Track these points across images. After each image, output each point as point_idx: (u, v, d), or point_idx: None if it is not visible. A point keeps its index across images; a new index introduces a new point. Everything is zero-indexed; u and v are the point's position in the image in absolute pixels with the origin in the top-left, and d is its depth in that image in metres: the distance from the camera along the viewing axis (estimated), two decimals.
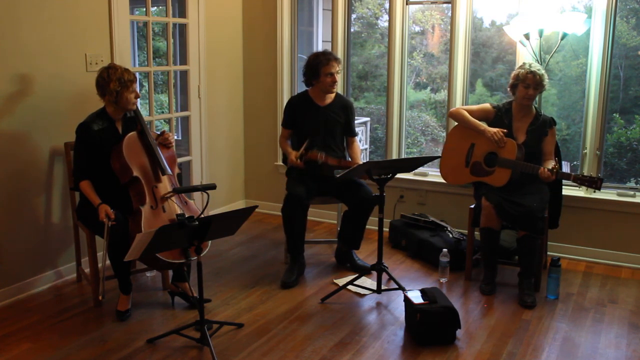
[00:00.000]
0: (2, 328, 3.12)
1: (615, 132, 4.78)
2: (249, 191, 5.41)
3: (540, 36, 3.89)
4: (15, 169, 3.41)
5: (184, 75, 4.70)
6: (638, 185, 4.34)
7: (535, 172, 3.44)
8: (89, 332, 3.08)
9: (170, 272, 3.50)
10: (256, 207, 2.89)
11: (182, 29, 4.75)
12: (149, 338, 2.99)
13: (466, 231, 3.88)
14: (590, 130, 4.07)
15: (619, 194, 4.07)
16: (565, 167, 4.24)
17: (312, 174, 3.82)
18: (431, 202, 4.62)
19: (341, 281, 3.73)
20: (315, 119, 3.80)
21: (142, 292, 3.60)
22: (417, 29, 6.02)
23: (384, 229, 3.90)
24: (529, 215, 3.41)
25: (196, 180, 4.78)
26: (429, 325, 2.97)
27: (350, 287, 3.60)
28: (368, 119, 5.83)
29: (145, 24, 4.33)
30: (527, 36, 3.89)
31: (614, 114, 4.74)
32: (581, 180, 3.38)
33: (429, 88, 6.26)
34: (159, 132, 3.41)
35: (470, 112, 3.77)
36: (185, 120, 4.77)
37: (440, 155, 3.96)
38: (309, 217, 3.82)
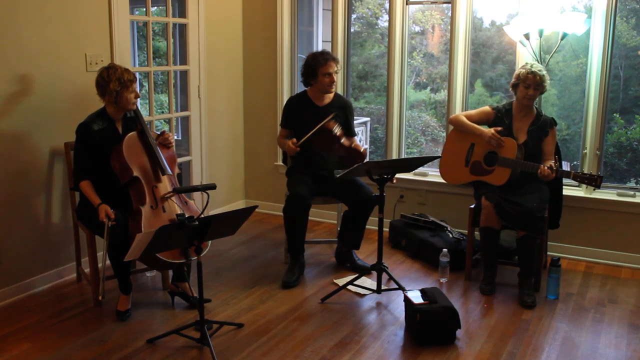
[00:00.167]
0: (2, 328, 3.12)
1: (615, 132, 4.78)
2: (249, 191, 5.41)
3: (540, 36, 3.89)
4: (15, 169, 3.41)
5: (184, 75, 4.70)
6: (638, 185, 4.34)
7: (535, 170, 3.44)
8: (88, 332, 3.08)
9: (170, 272, 3.50)
10: (256, 207, 2.89)
11: (182, 29, 4.75)
12: (149, 338, 2.99)
13: (466, 231, 3.88)
14: (590, 130, 4.07)
15: (619, 194, 4.06)
16: (565, 167, 4.25)
17: (313, 174, 3.82)
18: (431, 202, 4.62)
19: (341, 281, 3.73)
20: (314, 119, 3.80)
21: (142, 292, 3.60)
22: (417, 29, 6.02)
23: (384, 229, 3.90)
24: (528, 215, 3.41)
25: (196, 180, 4.78)
26: (429, 325, 2.97)
27: (350, 287, 3.60)
28: (368, 119, 5.83)
29: (145, 24, 4.33)
30: (527, 36, 3.89)
31: (614, 114, 4.73)
32: (581, 178, 3.39)
33: (429, 88, 6.26)
34: (159, 132, 3.41)
35: (470, 116, 3.79)
36: (185, 120, 4.77)
37: (440, 155, 3.96)
38: (309, 217, 3.82)
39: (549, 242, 4.10)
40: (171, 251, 2.99)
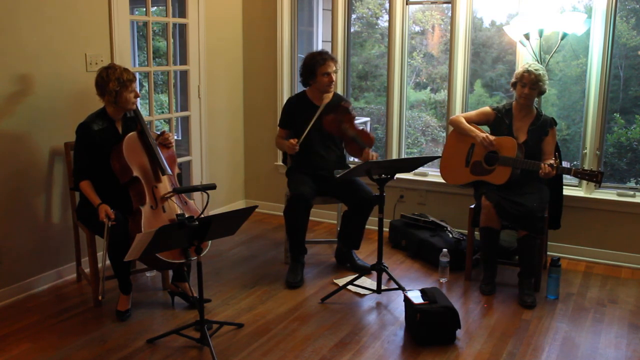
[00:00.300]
0: (2, 328, 3.12)
1: (615, 132, 4.78)
2: (249, 191, 5.41)
3: (540, 36, 3.89)
4: (15, 169, 3.41)
5: (184, 75, 4.70)
6: (638, 185, 4.33)
7: (536, 168, 3.44)
8: (89, 332, 3.08)
9: (170, 272, 3.50)
10: (256, 207, 2.89)
11: (182, 29, 4.75)
12: (149, 338, 2.99)
13: (466, 231, 3.88)
14: (590, 130, 4.07)
15: (619, 194, 4.06)
16: (566, 166, 4.24)
17: (313, 174, 3.82)
18: (431, 202, 4.62)
19: (341, 281, 3.73)
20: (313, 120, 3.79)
21: (142, 292, 3.60)
22: (417, 29, 6.01)
23: (384, 229, 3.90)
24: (528, 215, 3.41)
25: (196, 180, 4.78)
26: (429, 325, 2.97)
27: (350, 287, 3.60)
28: (368, 119, 5.83)
29: (145, 24, 4.33)
30: (527, 36, 3.89)
31: (615, 114, 4.73)
32: (582, 174, 3.39)
33: (429, 88, 6.25)
34: (159, 132, 3.41)
35: (469, 117, 3.80)
36: (185, 120, 4.77)
37: (440, 155, 3.96)
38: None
39: (549, 242, 4.10)
40: (171, 251, 2.99)
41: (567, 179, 4.09)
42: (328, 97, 3.86)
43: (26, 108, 3.41)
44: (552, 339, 3.07)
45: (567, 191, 4.05)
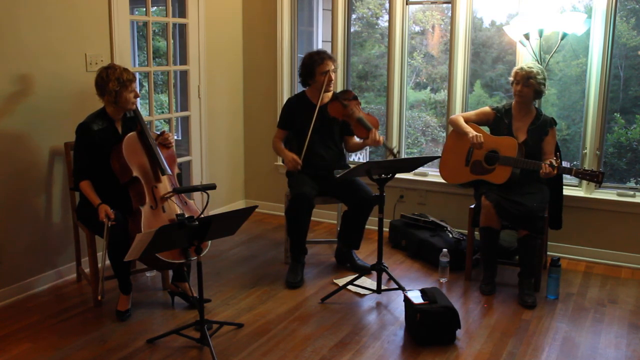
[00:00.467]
0: (2, 328, 3.12)
1: (615, 132, 4.77)
2: (249, 191, 5.41)
3: (540, 36, 3.89)
4: (15, 169, 3.41)
5: (184, 75, 4.70)
6: (638, 185, 4.33)
7: (536, 168, 3.44)
8: (88, 332, 3.08)
9: (170, 272, 3.50)
10: (256, 207, 2.89)
11: (182, 29, 4.75)
12: (149, 338, 2.99)
13: (466, 231, 3.88)
14: (590, 130, 4.07)
15: (618, 194, 4.07)
16: (566, 165, 4.24)
17: (313, 174, 3.82)
18: (431, 202, 4.62)
19: (341, 281, 3.73)
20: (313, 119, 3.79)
21: (142, 292, 3.60)
22: (417, 29, 6.01)
23: (384, 229, 3.90)
24: (529, 215, 3.41)
25: (196, 180, 4.78)
26: (429, 325, 2.97)
27: (350, 287, 3.60)
28: None
29: (145, 24, 4.33)
30: (527, 36, 3.89)
31: (615, 114, 4.73)
32: (582, 174, 3.39)
33: (429, 88, 6.25)
34: (158, 132, 3.41)
35: (469, 117, 3.81)
36: (185, 120, 4.77)
37: (440, 155, 3.96)
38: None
39: (549, 242, 4.09)
40: (171, 251, 2.99)
41: (567, 178, 4.09)
42: (327, 96, 3.86)
43: (26, 108, 3.41)
44: (552, 339, 3.07)
45: (567, 191, 4.05)
